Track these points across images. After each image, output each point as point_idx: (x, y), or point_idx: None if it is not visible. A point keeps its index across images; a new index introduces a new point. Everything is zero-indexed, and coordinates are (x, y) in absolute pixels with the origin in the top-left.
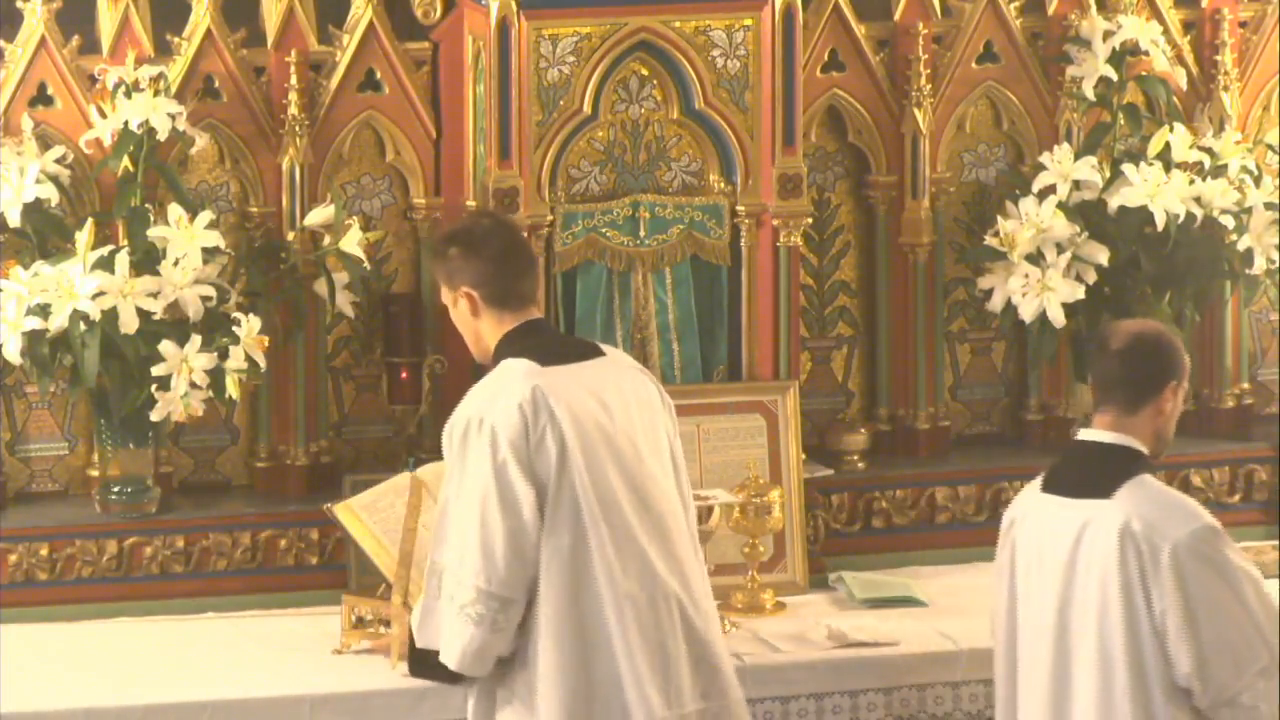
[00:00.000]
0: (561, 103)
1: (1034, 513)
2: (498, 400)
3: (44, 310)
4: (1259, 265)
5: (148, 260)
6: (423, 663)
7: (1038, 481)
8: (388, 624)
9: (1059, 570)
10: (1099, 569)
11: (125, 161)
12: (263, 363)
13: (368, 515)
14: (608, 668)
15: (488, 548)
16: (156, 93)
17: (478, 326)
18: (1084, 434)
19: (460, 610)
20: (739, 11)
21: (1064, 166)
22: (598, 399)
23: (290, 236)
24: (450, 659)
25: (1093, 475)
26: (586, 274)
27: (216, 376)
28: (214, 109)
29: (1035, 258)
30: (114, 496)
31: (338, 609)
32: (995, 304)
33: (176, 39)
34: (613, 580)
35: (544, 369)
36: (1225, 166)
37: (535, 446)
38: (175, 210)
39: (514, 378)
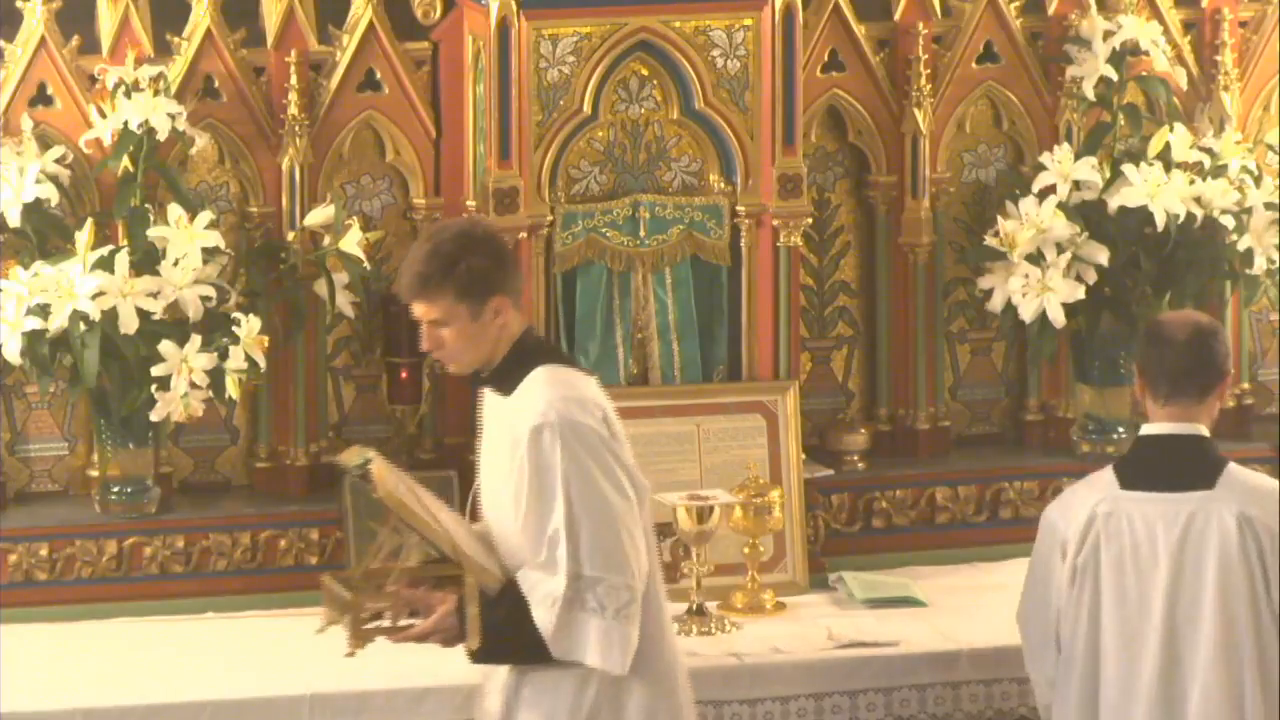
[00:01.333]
0: (561, 103)
1: (1121, 511)
2: (575, 401)
3: (44, 310)
4: (1259, 265)
5: (148, 260)
6: (502, 650)
7: (1105, 479)
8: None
9: (1166, 565)
10: (1215, 559)
11: (125, 161)
12: (263, 363)
13: (404, 489)
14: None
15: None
16: (156, 93)
17: (496, 335)
18: (1157, 428)
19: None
20: (739, 11)
21: (1064, 166)
22: None
23: (290, 236)
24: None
25: (1184, 467)
26: (586, 274)
27: (216, 376)
28: (214, 109)
29: (1035, 258)
30: (114, 496)
31: None
32: (995, 304)
33: (176, 39)
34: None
35: (577, 370)
36: (1225, 166)
37: (618, 440)
38: (175, 210)
39: (574, 379)
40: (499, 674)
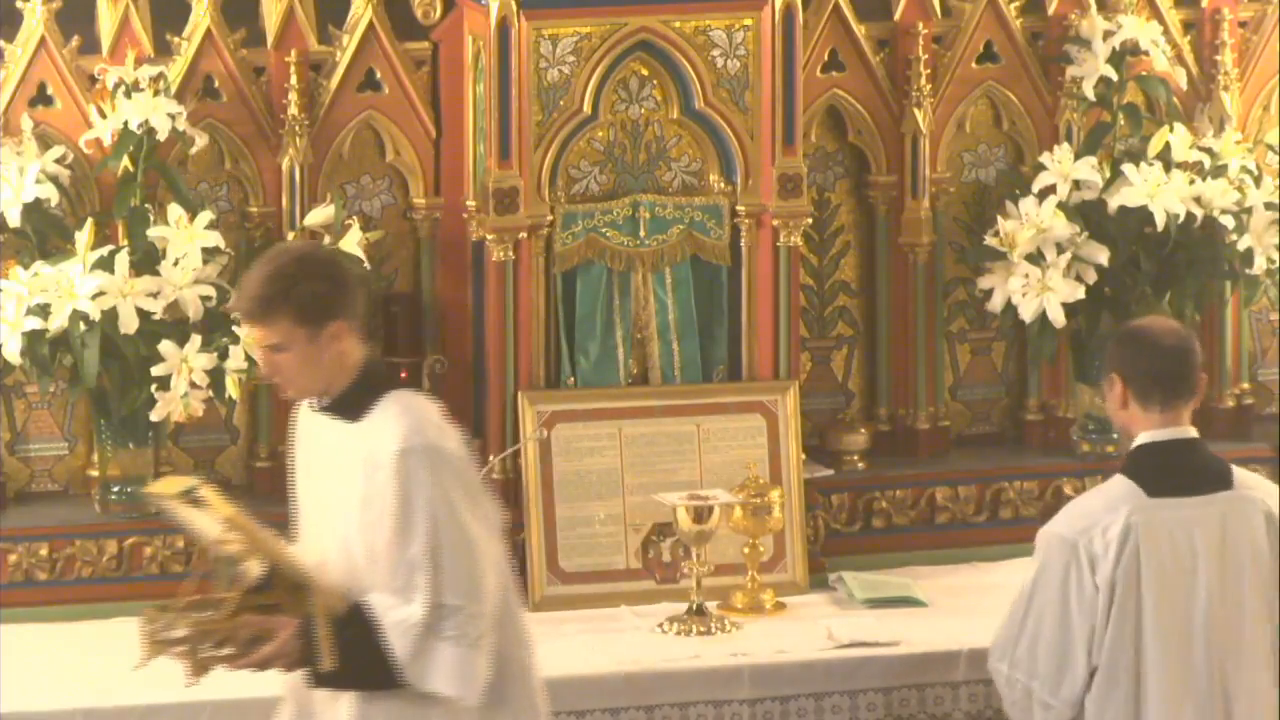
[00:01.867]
0: (561, 103)
1: (1157, 520)
2: (437, 428)
3: (44, 310)
4: (1259, 265)
5: (148, 260)
6: (351, 674)
7: (1126, 490)
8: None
9: (1206, 568)
10: (1250, 558)
11: (125, 161)
12: None
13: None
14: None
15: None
16: (156, 93)
17: (335, 360)
18: (1164, 434)
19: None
20: (739, 11)
21: (1064, 166)
22: None
23: (290, 236)
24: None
25: (1203, 470)
26: (586, 274)
27: (216, 376)
28: (214, 109)
29: (1035, 258)
30: (114, 496)
31: None
32: (995, 304)
33: (176, 39)
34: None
35: (428, 398)
36: (1225, 166)
37: (473, 463)
38: (175, 210)
39: (430, 406)
40: (340, 705)
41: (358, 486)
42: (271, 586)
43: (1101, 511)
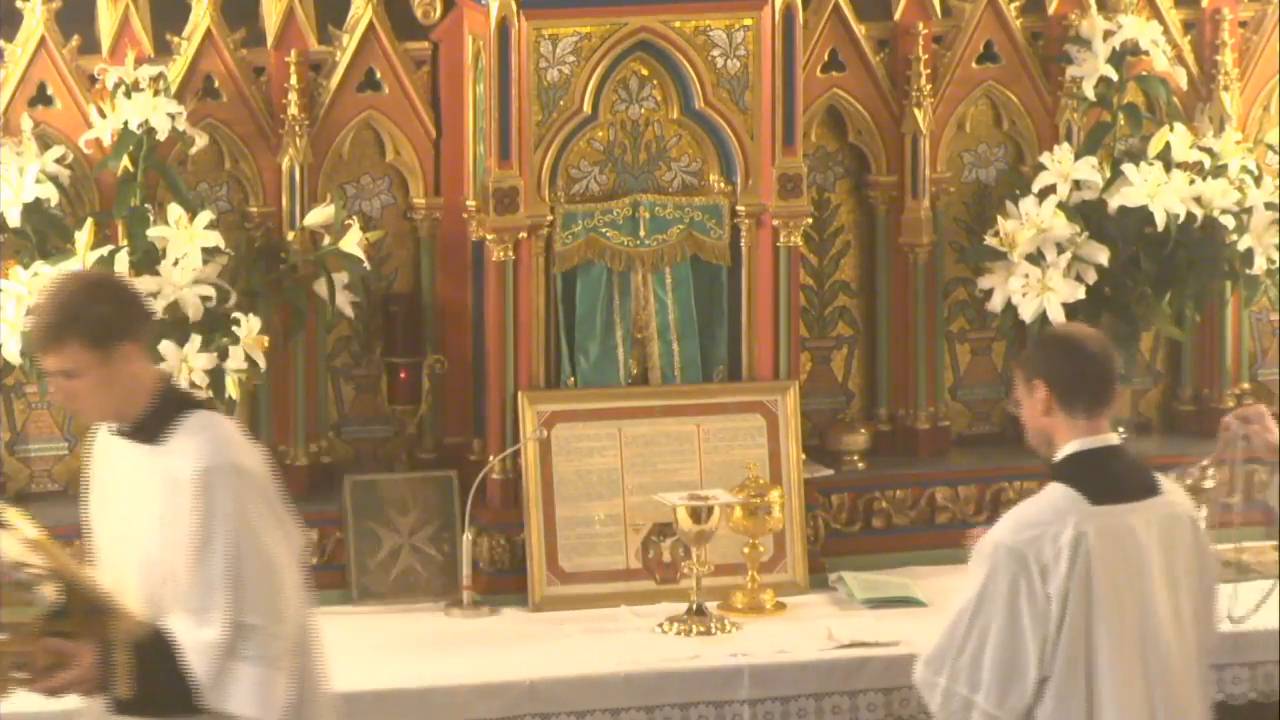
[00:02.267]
0: (561, 103)
1: (1106, 527)
2: (239, 447)
3: None
4: (1259, 265)
5: (147, 260)
6: (151, 699)
7: (1068, 498)
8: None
9: (1155, 572)
10: (1184, 563)
11: (125, 161)
12: (263, 363)
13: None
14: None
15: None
16: (156, 93)
17: (128, 383)
18: (1095, 441)
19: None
20: (739, 11)
21: (1064, 166)
22: None
23: (290, 236)
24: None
25: (1137, 475)
26: (586, 274)
27: (216, 376)
28: (214, 109)
29: (1035, 258)
30: None
31: (338, 609)
32: (995, 304)
33: (176, 39)
34: None
35: (229, 418)
36: (1225, 166)
37: (276, 483)
38: (175, 210)
39: (231, 425)
40: None
41: (158, 507)
42: (70, 611)
43: (1048, 520)
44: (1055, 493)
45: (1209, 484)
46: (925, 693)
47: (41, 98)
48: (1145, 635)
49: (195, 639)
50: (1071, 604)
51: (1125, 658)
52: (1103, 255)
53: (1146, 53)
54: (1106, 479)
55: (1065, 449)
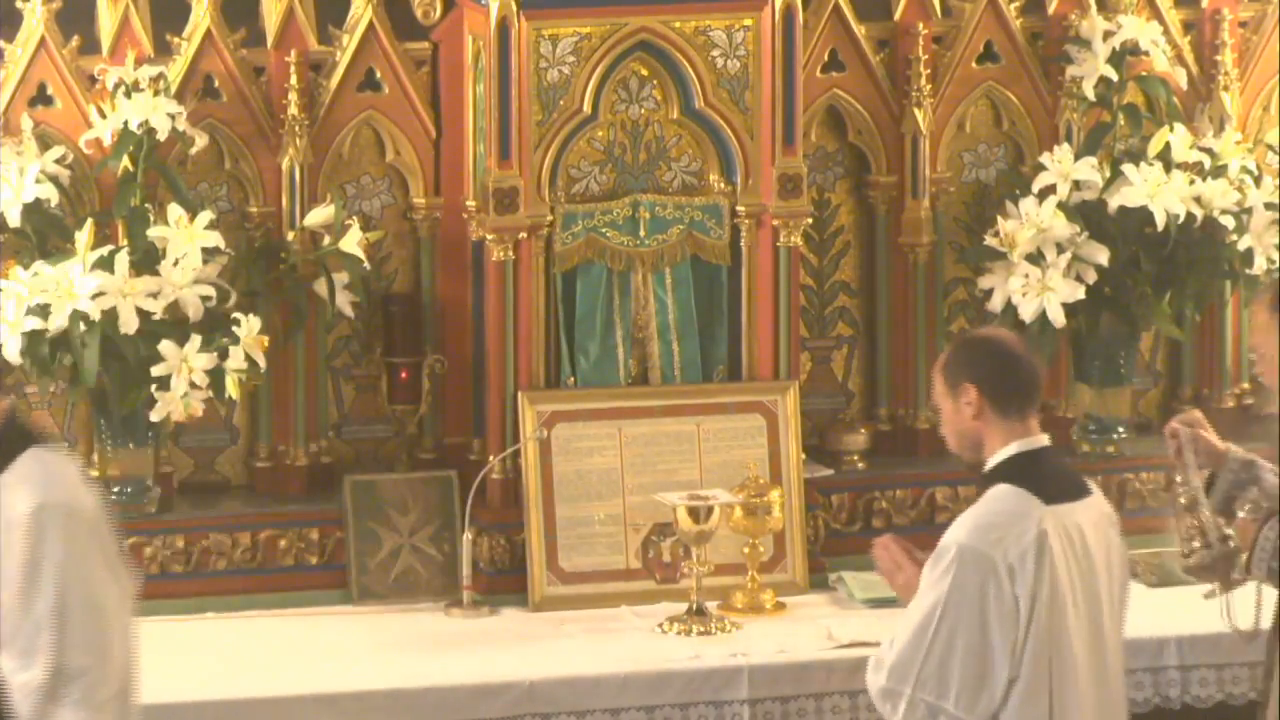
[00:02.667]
0: (561, 103)
1: (1061, 525)
2: (73, 487)
3: (44, 310)
4: (1259, 265)
5: (148, 260)
6: None
7: (1022, 498)
8: None
9: (1101, 568)
10: (1117, 559)
11: (125, 161)
12: (263, 363)
13: None
14: None
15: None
16: (156, 93)
17: None
18: (1031, 443)
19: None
20: (739, 11)
21: (1064, 166)
22: None
23: (290, 236)
24: None
25: (1070, 476)
26: (586, 274)
27: (216, 376)
28: (214, 109)
29: (1035, 258)
30: (114, 496)
31: (337, 609)
32: (995, 304)
33: (176, 39)
34: None
35: (66, 455)
36: (1225, 166)
37: (109, 525)
38: (175, 210)
39: (68, 464)
40: None
41: None
42: None
43: (1010, 521)
44: (1007, 494)
45: (1183, 500)
46: (885, 702)
47: (41, 98)
48: (1095, 634)
49: (19, 680)
50: (1039, 604)
51: (1085, 656)
52: (1103, 255)
53: (1146, 53)
54: (1051, 479)
55: (1004, 451)
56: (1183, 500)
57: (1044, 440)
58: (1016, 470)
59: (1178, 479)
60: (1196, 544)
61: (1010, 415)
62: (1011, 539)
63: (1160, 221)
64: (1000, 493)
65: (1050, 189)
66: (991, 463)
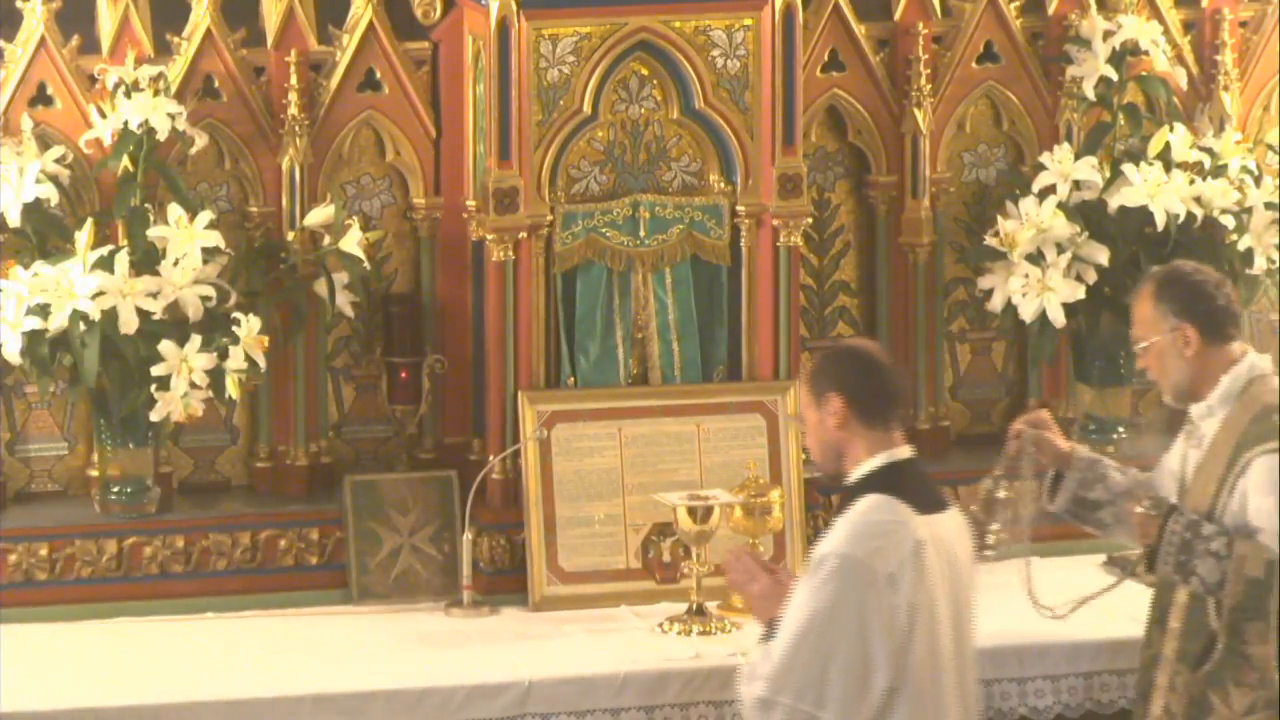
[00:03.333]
0: (561, 103)
1: (933, 535)
2: None
3: (44, 310)
4: (1259, 265)
5: (147, 260)
6: None
7: (896, 508)
8: None
9: (965, 576)
10: (969, 571)
11: (125, 161)
12: (263, 363)
13: None
14: None
15: None
16: (156, 93)
17: None
18: (900, 454)
19: None
20: (739, 11)
21: (1064, 166)
22: None
23: (290, 236)
24: None
25: (933, 487)
26: (586, 274)
27: (216, 376)
28: (214, 109)
29: (1035, 258)
30: (114, 496)
31: (337, 609)
32: (995, 304)
33: (176, 39)
34: None
35: None
36: (1225, 166)
37: None
38: (175, 210)
39: None
40: None
41: None
42: None
43: (889, 530)
44: (882, 504)
45: (1002, 495)
46: (761, 712)
47: (41, 98)
48: (961, 643)
49: None
50: (918, 613)
51: (952, 666)
52: (1103, 255)
53: (1146, 53)
54: (919, 489)
55: (871, 462)
56: (1002, 494)
57: (908, 452)
58: (886, 481)
59: (1000, 476)
60: (992, 538)
61: (875, 426)
62: (890, 548)
63: (1160, 221)
64: (875, 503)
65: (1050, 189)
66: (858, 473)
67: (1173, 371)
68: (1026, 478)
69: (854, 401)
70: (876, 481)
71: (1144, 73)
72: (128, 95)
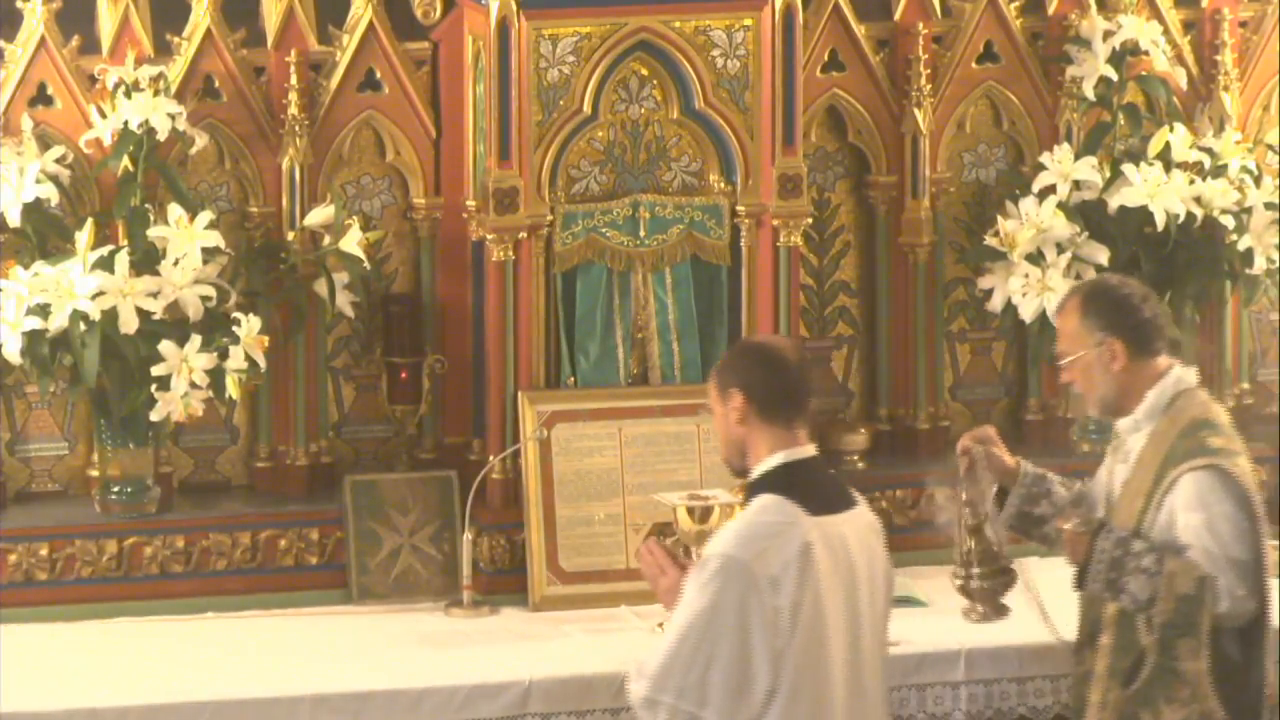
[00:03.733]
0: (561, 103)
1: (824, 537)
2: None
3: (44, 310)
4: (1259, 265)
5: (148, 260)
6: None
7: (785, 510)
8: None
9: (867, 582)
10: (881, 568)
11: (125, 161)
12: (263, 363)
13: None
14: None
15: None
16: (156, 93)
17: None
18: (801, 453)
19: None
20: (739, 11)
21: (1064, 166)
22: None
23: (290, 236)
24: None
25: (836, 487)
26: (586, 274)
27: (216, 376)
28: (214, 109)
29: (1035, 258)
30: (114, 496)
31: (338, 609)
32: (995, 304)
33: (176, 39)
34: None
35: None
36: (1225, 166)
37: None
38: (175, 210)
39: None
40: None
41: None
42: None
43: (775, 532)
44: (772, 504)
45: (945, 517)
46: (646, 711)
47: (41, 98)
48: (854, 646)
49: None
50: (802, 616)
51: (843, 668)
52: (1103, 255)
53: (1146, 53)
54: (817, 490)
55: (770, 460)
56: (969, 522)
57: (811, 450)
58: (782, 481)
59: (964, 497)
60: (977, 570)
61: (776, 424)
62: (774, 551)
63: (1160, 221)
64: (765, 503)
65: (1050, 189)
66: (756, 471)
67: (1099, 386)
68: (987, 492)
69: (755, 398)
70: (772, 481)
71: (1144, 73)
72: (128, 95)
